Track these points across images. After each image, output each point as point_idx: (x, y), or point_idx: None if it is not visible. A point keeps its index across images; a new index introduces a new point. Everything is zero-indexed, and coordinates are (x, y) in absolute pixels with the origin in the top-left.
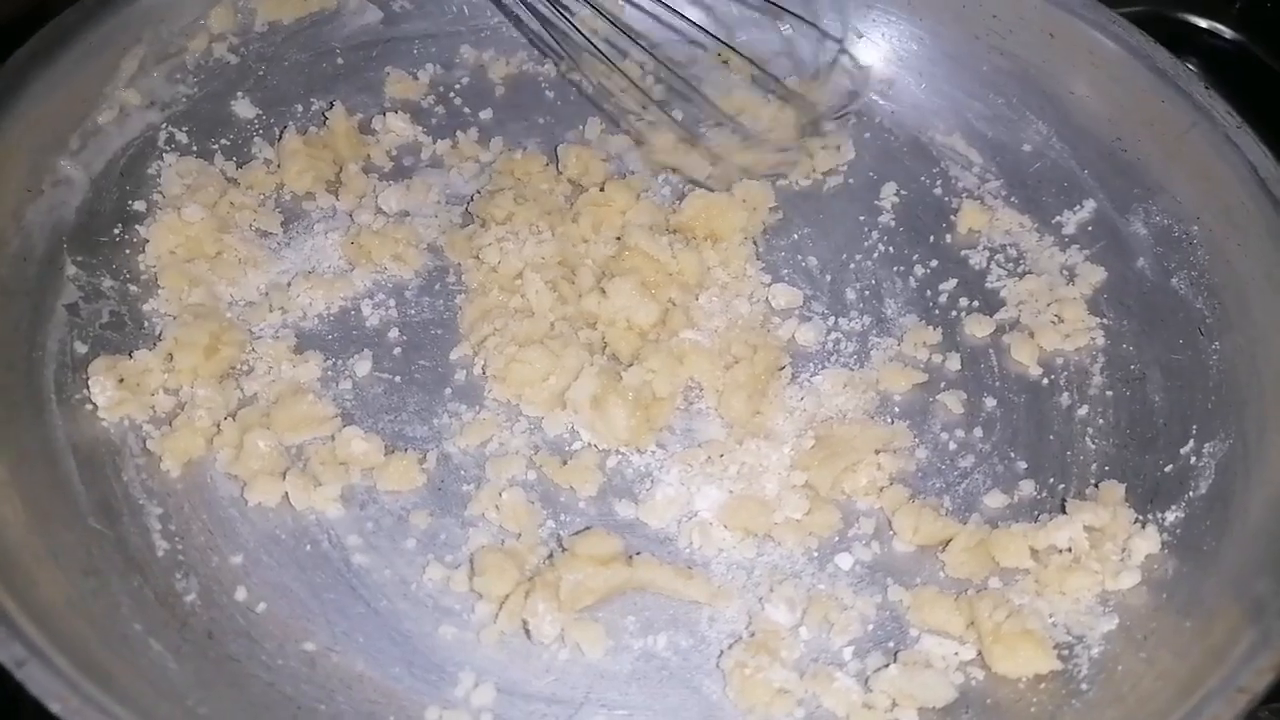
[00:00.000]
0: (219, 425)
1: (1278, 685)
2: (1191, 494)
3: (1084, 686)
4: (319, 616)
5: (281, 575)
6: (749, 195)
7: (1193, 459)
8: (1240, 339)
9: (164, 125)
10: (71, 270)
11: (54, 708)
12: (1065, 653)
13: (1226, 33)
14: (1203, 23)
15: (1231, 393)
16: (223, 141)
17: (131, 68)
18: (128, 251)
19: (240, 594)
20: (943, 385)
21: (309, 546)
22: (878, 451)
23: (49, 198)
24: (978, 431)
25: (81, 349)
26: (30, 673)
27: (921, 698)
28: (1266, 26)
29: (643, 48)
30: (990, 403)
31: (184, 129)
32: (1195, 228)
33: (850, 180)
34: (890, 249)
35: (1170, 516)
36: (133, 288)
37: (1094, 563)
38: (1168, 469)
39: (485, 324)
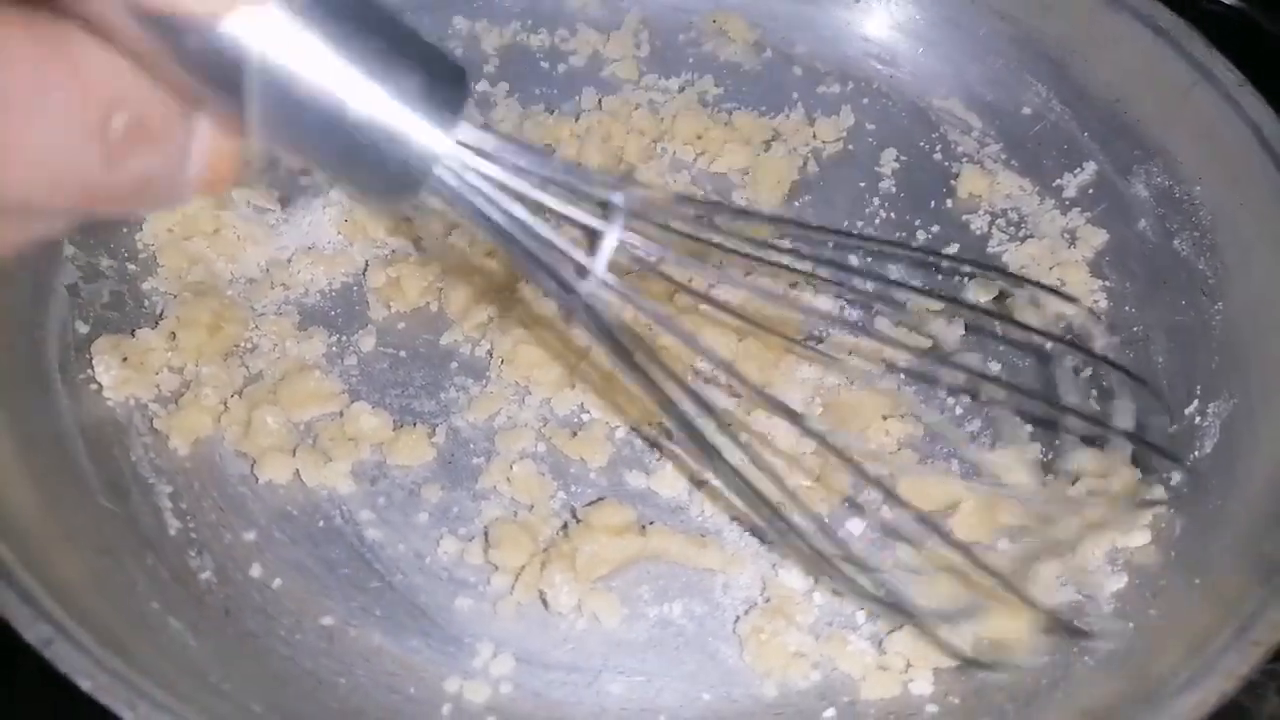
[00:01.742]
0: (226, 403)
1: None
2: (1197, 454)
3: (1096, 644)
4: (335, 591)
5: (295, 551)
6: (772, 168)
7: (1197, 419)
8: (1243, 299)
9: None
10: (69, 250)
11: (84, 685)
12: (1075, 611)
13: None
14: None
15: (1235, 353)
16: None
17: None
18: (125, 230)
19: (255, 570)
20: (947, 350)
21: (322, 522)
22: (885, 417)
23: None
24: (983, 396)
25: (83, 329)
26: (59, 651)
27: (935, 658)
28: None
29: None
30: (995, 367)
31: None
32: (1197, 188)
33: (850, 146)
34: (891, 215)
35: (1176, 476)
36: (131, 266)
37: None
38: (1172, 429)
39: (480, 310)
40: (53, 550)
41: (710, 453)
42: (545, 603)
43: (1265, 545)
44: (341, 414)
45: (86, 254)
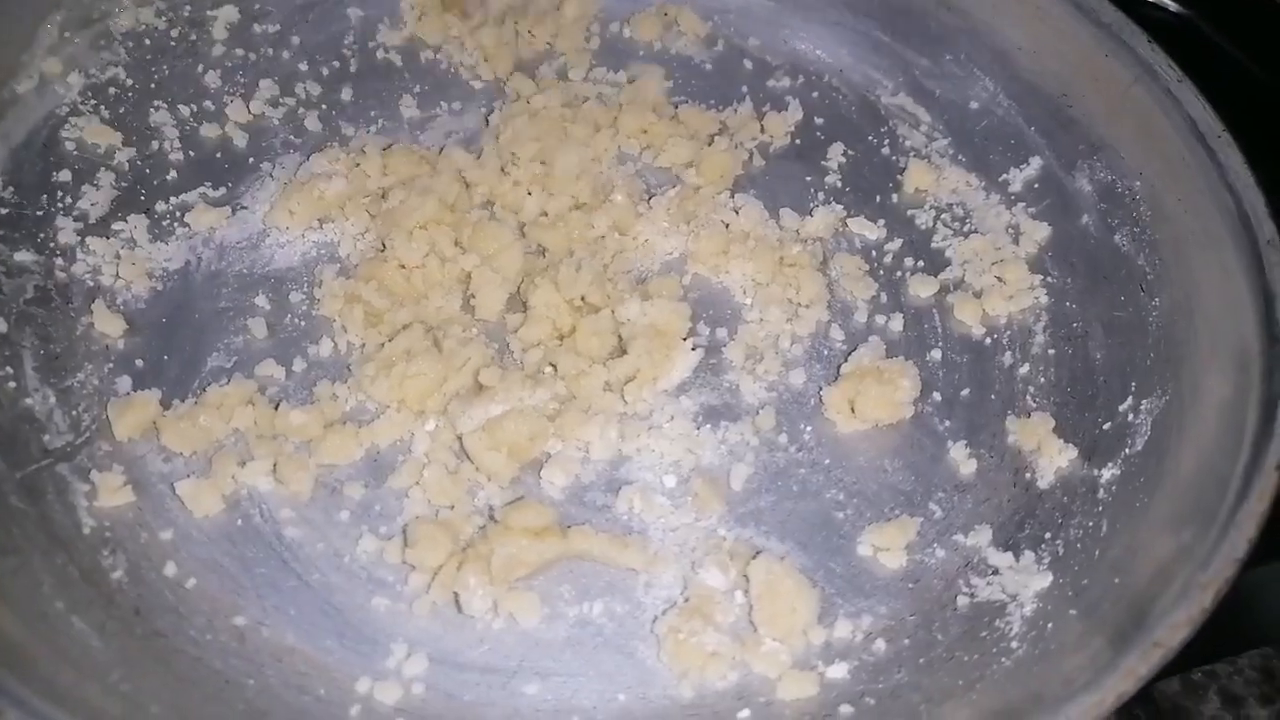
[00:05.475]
0: (164, 404)
1: (1209, 646)
2: (1128, 450)
3: (1014, 645)
4: (249, 591)
5: (212, 550)
6: (715, 162)
7: (1130, 416)
8: (1179, 295)
9: (89, 94)
10: None
11: None
12: (997, 611)
13: (1171, 5)
14: None
15: (1169, 349)
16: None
17: (51, 35)
18: (53, 225)
19: (169, 569)
20: (886, 346)
21: (240, 521)
22: None
23: None
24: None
25: (2, 326)
26: None
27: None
28: (1210, 0)
29: None
30: (933, 362)
31: (111, 98)
32: (1138, 183)
33: (797, 141)
34: (837, 209)
35: (1107, 474)
36: (58, 261)
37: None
38: (1106, 426)
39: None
40: None
41: None
42: (459, 605)
43: (1183, 536)
44: (276, 408)
45: (10, 248)
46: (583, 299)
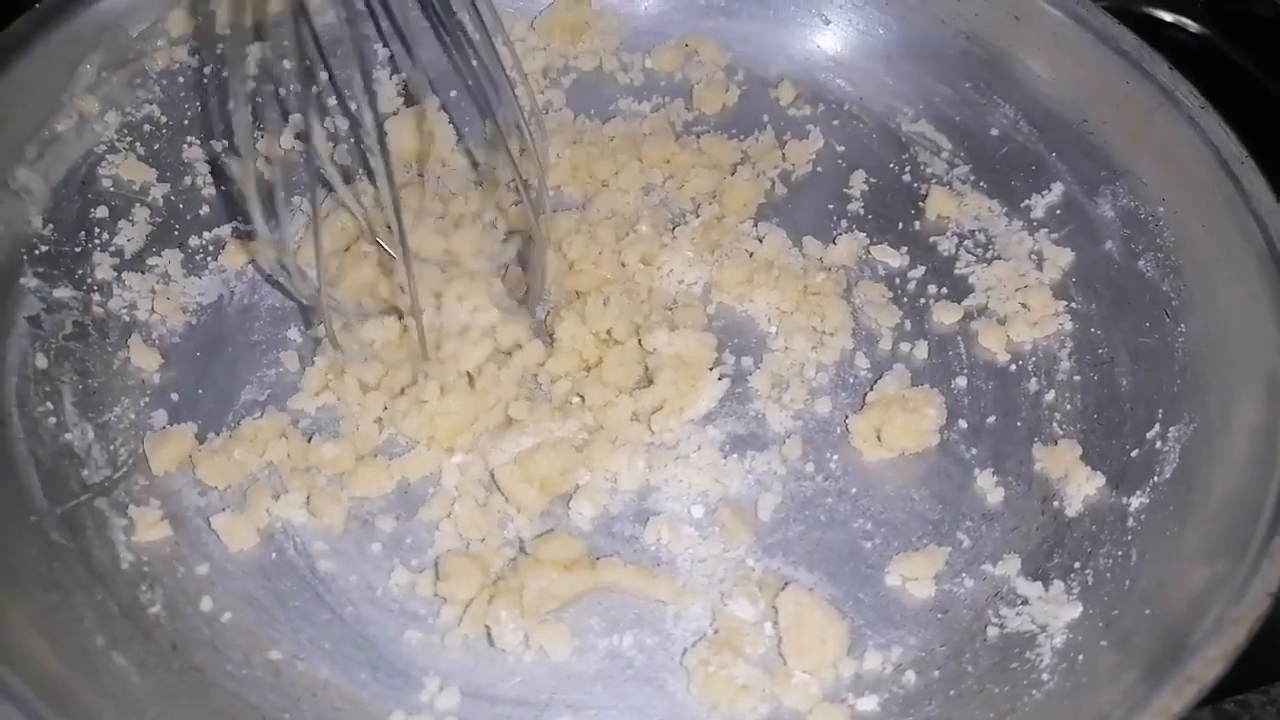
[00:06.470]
0: (199, 438)
1: (1241, 674)
2: (1157, 479)
3: (1044, 677)
4: (284, 624)
5: (247, 584)
6: (738, 191)
7: (1158, 443)
8: (1205, 320)
9: (125, 132)
10: (32, 282)
11: None
12: (1027, 642)
13: (1191, 26)
14: (1168, 16)
15: (1196, 375)
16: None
17: (90, 75)
18: (91, 261)
19: (206, 604)
20: (910, 374)
21: (274, 554)
22: None
23: (7, 209)
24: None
25: (43, 362)
26: None
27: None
28: (1230, 20)
29: None
30: (958, 389)
31: (146, 135)
32: (1161, 209)
33: (819, 169)
34: (859, 237)
35: (1135, 502)
36: (96, 297)
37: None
38: (1134, 454)
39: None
40: None
41: None
42: (491, 639)
43: (1216, 567)
44: (309, 441)
45: (50, 285)
46: (608, 331)
